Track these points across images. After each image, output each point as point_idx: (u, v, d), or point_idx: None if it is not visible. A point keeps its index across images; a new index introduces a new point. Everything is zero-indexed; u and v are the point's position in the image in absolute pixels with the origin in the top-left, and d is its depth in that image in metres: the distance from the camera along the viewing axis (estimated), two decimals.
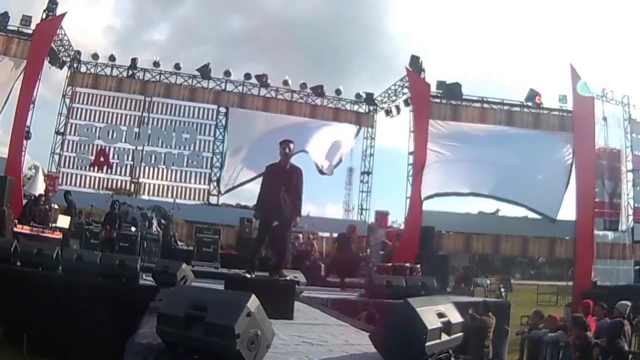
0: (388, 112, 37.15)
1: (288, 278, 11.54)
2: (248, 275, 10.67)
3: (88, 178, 33.98)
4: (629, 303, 16.82)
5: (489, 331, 15.38)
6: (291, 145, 11.44)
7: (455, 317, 6.60)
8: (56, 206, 24.98)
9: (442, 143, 31.82)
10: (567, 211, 31.95)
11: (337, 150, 36.52)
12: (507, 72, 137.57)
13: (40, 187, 27.90)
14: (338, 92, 37.06)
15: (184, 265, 14.70)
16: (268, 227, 11.78)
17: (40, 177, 30.46)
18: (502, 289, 40.54)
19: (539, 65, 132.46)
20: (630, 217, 32.85)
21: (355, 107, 37.97)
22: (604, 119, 33.04)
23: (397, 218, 39.67)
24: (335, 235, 26.13)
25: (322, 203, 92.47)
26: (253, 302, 5.60)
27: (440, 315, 6.24)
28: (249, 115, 36.02)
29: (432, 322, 5.94)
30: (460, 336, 6.72)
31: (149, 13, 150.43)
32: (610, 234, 32.99)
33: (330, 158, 36.19)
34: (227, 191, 35.52)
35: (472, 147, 32.08)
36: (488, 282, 42.81)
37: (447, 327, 6.26)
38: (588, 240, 29.82)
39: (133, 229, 23.55)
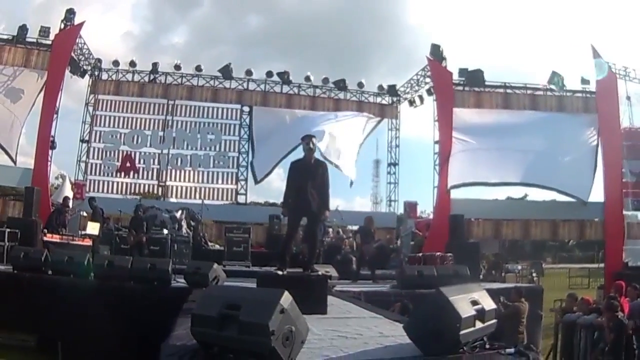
0: (412, 103, 37.12)
1: (320, 273, 11.55)
2: (280, 273, 10.68)
3: (115, 184, 34.20)
4: None
5: (523, 317, 15.27)
6: (314, 140, 11.42)
7: (489, 303, 6.57)
8: (84, 213, 25.06)
9: (467, 132, 31.68)
10: (596, 193, 31.82)
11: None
12: (528, 56, 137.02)
13: (67, 195, 28.07)
14: (360, 85, 37.08)
15: (215, 266, 14.75)
16: (297, 223, 11.79)
17: (68, 186, 30.64)
18: (534, 274, 40.34)
19: (561, 47, 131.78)
20: None
21: (379, 99, 37.99)
22: (628, 98, 32.90)
23: (426, 208, 39.75)
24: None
25: (350, 196, 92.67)
26: (286, 299, 5.60)
27: (474, 302, 6.22)
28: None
29: (465, 310, 5.92)
30: (494, 323, 6.69)
31: (167, 17, 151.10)
32: (638, 214, 32.82)
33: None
34: (262, 178, 35.46)
35: (497, 135, 31.93)
36: (519, 267, 42.57)
37: (481, 315, 6.23)
38: (617, 221, 29.68)
39: (165, 231, 23.65)
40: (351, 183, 34.93)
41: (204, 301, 6.47)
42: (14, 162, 28.94)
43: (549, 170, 31.53)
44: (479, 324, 6.19)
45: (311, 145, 11.28)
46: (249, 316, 5.51)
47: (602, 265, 33.86)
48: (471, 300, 6.22)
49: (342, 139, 34.04)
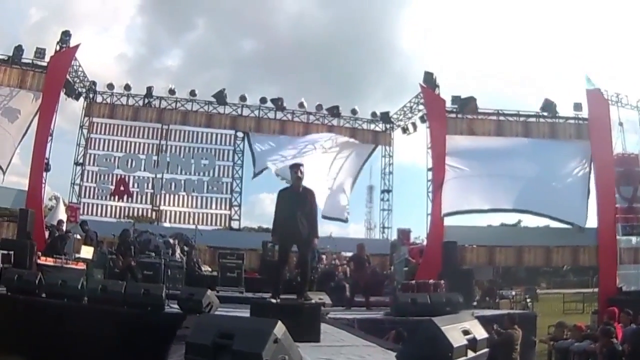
0: (405, 130, 37.20)
1: (313, 301, 11.60)
2: (273, 301, 10.74)
3: (109, 207, 34.17)
4: None
5: (516, 344, 15.33)
6: (302, 169, 11.55)
7: (481, 333, 6.62)
8: (78, 236, 25.15)
9: (459, 158, 31.70)
10: (589, 219, 31.89)
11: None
12: (521, 83, 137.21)
13: (61, 218, 28.07)
14: (354, 111, 37.25)
15: (209, 292, 14.79)
16: (287, 251, 11.93)
17: (62, 208, 30.76)
18: (528, 300, 40.36)
19: (553, 74, 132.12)
20: None
21: (372, 126, 38.07)
22: (620, 124, 33.02)
23: (420, 234, 39.71)
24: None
25: (344, 223, 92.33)
26: (279, 328, 5.64)
27: (466, 332, 6.27)
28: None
29: (457, 339, 5.96)
30: (486, 352, 6.74)
31: (161, 40, 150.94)
32: (633, 239, 32.89)
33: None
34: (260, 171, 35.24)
35: (490, 162, 31.94)
36: (513, 293, 42.62)
37: (473, 344, 6.28)
38: (611, 246, 29.72)
39: (153, 254, 23.74)
40: (346, 219, 35.24)
41: (197, 329, 6.52)
42: (3, 175, 28.92)
43: (542, 197, 31.52)
44: (470, 354, 6.23)
45: (299, 174, 11.41)
46: (243, 345, 5.55)
47: (596, 290, 33.85)
48: (463, 330, 6.26)
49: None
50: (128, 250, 22.66)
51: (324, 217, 33.43)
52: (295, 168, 11.52)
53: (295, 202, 11.30)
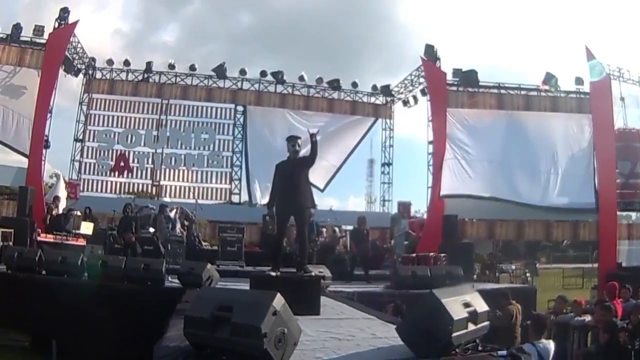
0: (405, 103, 37.08)
1: (313, 274, 11.59)
2: (273, 274, 10.73)
3: (109, 183, 34.08)
4: None
5: (516, 320, 15.33)
6: (299, 142, 11.59)
7: (481, 305, 6.60)
8: (78, 213, 25.13)
9: (460, 138, 31.63)
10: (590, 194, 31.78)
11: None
12: (522, 56, 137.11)
13: (61, 195, 28.04)
14: (354, 84, 36.98)
15: (209, 266, 14.76)
16: (285, 223, 11.93)
17: (62, 185, 30.64)
18: (528, 274, 40.34)
19: (555, 47, 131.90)
20: None
21: (372, 99, 37.90)
22: (622, 99, 32.92)
23: (420, 207, 39.67)
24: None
25: (344, 196, 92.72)
26: (278, 301, 5.62)
27: (466, 304, 6.25)
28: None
29: (457, 312, 5.95)
30: (487, 325, 6.73)
31: (157, 15, 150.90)
32: (633, 215, 32.88)
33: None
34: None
35: (490, 145, 31.92)
36: (513, 267, 42.58)
37: (474, 317, 6.26)
38: (611, 222, 29.65)
39: (151, 229, 23.70)
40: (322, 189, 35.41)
41: (196, 303, 6.50)
42: (27, 156, 28.81)
43: (546, 187, 31.81)
44: (471, 326, 6.22)
45: (297, 147, 11.43)
46: (241, 318, 5.53)
47: (595, 265, 33.83)
48: (463, 303, 6.24)
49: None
50: (129, 226, 22.67)
51: None
52: (293, 141, 11.52)
53: (292, 174, 11.33)
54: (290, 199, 11.26)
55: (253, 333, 5.34)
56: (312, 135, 11.35)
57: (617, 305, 14.60)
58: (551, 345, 10.00)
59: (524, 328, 13.73)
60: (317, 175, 33.83)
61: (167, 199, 33.05)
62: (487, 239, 33.81)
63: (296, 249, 14.16)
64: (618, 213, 30.78)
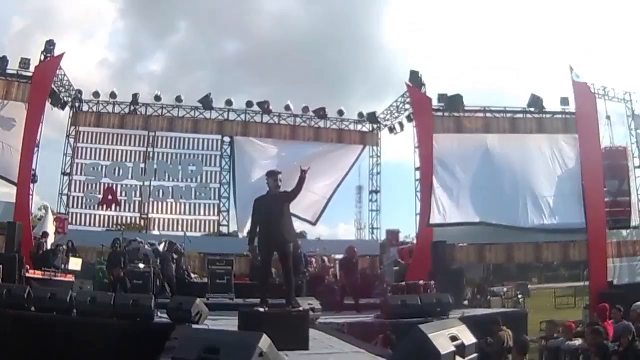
0: (392, 130, 37.14)
1: (301, 308, 11.58)
2: (261, 309, 10.71)
3: (97, 217, 33.95)
4: None
5: (507, 345, 15.33)
6: (279, 176, 11.59)
7: (469, 338, 6.59)
8: (65, 247, 25.15)
9: (447, 166, 31.71)
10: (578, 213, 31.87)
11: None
12: (507, 79, 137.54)
13: (49, 230, 27.97)
14: (340, 112, 37.02)
15: (197, 301, 14.73)
16: (269, 258, 11.87)
17: (50, 219, 30.56)
18: (520, 296, 40.41)
19: (539, 69, 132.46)
20: None
21: (359, 127, 37.91)
22: (607, 117, 33.10)
23: (410, 232, 39.71)
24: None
25: (334, 223, 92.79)
26: (264, 342, 5.62)
27: (453, 338, 6.24)
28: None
29: (444, 346, 5.93)
30: (474, 357, 6.72)
31: (143, 44, 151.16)
32: (624, 231, 32.97)
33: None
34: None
35: (477, 169, 32.14)
36: (505, 289, 42.68)
37: (461, 350, 6.25)
38: (601, 240, 29.64)
39: (141, 265, 23.61)
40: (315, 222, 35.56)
41: (184, 344, 6.50)
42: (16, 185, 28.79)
43: (535, 210, 32.05)
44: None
45: (279, 182, 11.45)
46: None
47: (587, 283, 33.85)
48: (450, 336, 6.24)
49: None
50: (118, 261, 22.64)
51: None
52: (274, 175, 11.56)
53: (272, 208, 11.33)
54: (272, 234, 11.26)
55: None
56: (304, 172, 11.37)
57: (609, 326, 14.67)
58: None
59: (506, 350, 13.76)
60: (308, 209, 34.36)
61: (155, 232, 33.07)
62: (477, 263, 33.91)
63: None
64: (607, 231, 30.80)
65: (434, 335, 5.94)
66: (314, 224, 35.87)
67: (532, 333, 19.03)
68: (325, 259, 27.83)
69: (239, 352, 5.54)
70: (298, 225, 35.66)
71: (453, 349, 6.08)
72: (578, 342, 14.43)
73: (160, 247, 25.64)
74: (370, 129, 38.14)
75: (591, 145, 30.45)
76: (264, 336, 5.68)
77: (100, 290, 20.51)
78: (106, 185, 34.09)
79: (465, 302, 24.98)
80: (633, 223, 32.61)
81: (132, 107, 35.05)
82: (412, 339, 6.21)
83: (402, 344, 6.76)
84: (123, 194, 34.27)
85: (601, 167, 30.47)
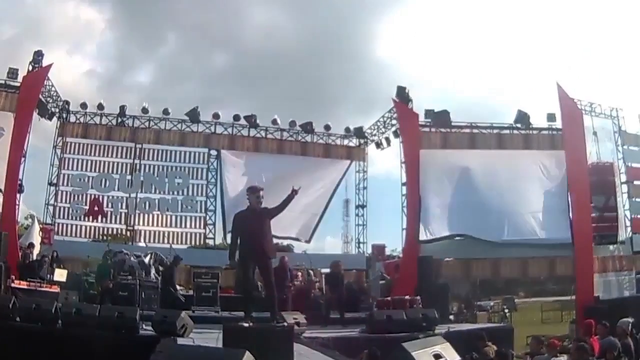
0: (378, 145, 37.25)
1: (286, 323, 11.58)
2: (245, 324, 10.70)
3: (83, 228, 33.90)
4: (630, 320, 16.75)
5: None
6: (261, 193, 11.68)
7: (452, 356, 6.62)
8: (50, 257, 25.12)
9: (433, 181, 31.83)
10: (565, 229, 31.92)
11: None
12: (494, 95, 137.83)
13: (35, 241, 27.89)
14: (327, 127, 37.12)
15: (183, 314, 14.64)
16: (250, 272, 11.87)
17: (36, 229, 30.47)
18: (506, 310, 40.44)
19: (526, 85, 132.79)
20: (629, 229, 33.06)
21: (346, 142, 38.01)
22: (594, 133, 33.24)
23: (396, 247, 39.69)
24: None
25: (321, 236, 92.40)
26: (247, 359, 5.60)
27: (437, 356, 6.27)
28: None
29: None
30: None
31: (131, 55, 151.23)
32: (610, 247, 33.06)
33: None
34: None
35: (464, 184, 32.35)
36: (491, 304, 42.71)
37: None
38: (587, 256, 29.55)
39: (129, 277, 23.56)
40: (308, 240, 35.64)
41: None
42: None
43: (523, 226, 32.25)
44: None
45: (261, 199, 11.47)
46: None
47: (574, 297, 33.93)
48: (434, 354, 6.26)
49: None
50: (107, 272, 22.61)
51: (286, 237, 33.92)
52: (257, 192, 11.64)
53: (253, 224, 11.35)
54: (253, 249, 11.31)
55: None
56: (294, 192, 11.39)
57: (594, 342, 14.68)
58: None
59: None
60: (302, 228, 34.92)
61: (141, 244, 32.93)
62: (463, 278, 33.93)
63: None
64: (594, 246, 30.84)
65: (418, 354, 5.97)
66: (308, 241, 35.86)
67: (519, 348, 19.00)
68: (312, 272, 27.81)
69: None
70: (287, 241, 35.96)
71: None
72: (563, 358, 14.38)
73: (146, 260, 25.59)
74: (357, 144, 38.25)
75: (578, 161, 30.43)
76: (247, 353, 5.67)
77: (85, 302, 20.49)
78: (92, 196, 34.06)
79: (452, 317, 24.95)
80: (620, 238, 32.78)
81: (119, 119, 34.99)
82: (396, 358, 6.22)
83: None
84: (109, 205, 34.26)
85: (588, 183, 30.45)
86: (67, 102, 34.63)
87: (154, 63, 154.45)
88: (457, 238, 33.12)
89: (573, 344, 14.73)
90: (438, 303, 20.57)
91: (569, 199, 31.20)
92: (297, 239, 35.53)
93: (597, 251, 31.23)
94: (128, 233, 34.71)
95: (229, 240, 33.98)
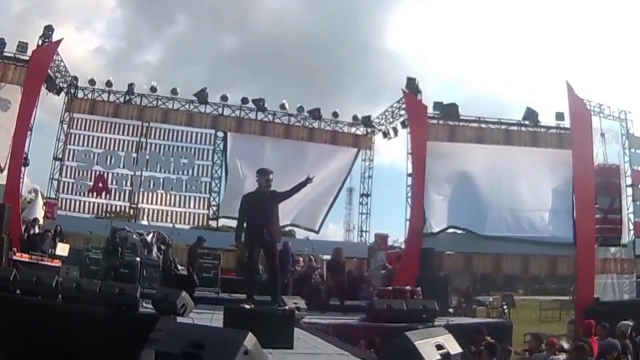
0: (386, 134, 37.04)
1: (287, 307, 11.54)
2: (246, 306, 10.67)
3: (87, 204, 33.85)
4: (630, 323, 16.70)
5: None
6: (271, 176, 11.54)
7: (454, 347, 6.58)
8: (53, 232, 25.11)
9: (439, 174, 31.80)
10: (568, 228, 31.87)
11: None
12: (504, 91, 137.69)
13: (39, 215, 27.88)
14: (335, 114, 36.97)
15: (183, 294, 14.68)
16: (256, 256, 11.80)
17: (40, 203, 30.47)
18: (505, 306, 40.42)
19: (536, 83, 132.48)
20: (632, 232, 32.89)
21: (353, 130, 37.83)
22: (602, 134, 33.11)
23: (398, 237, 39.66)
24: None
25: (323, 223, 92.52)
26: (250, 340, 5.58)
27: (439, 347, 6.23)
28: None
29: (430, 355, 5.92)
30: None
31: (141, 35, 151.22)
32: (612, 249, 32.97)
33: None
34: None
35: (469, 179, 32.38)
36: (491, 299, 42.68)
37: (446, 359, 6.24)
38: (589, 257, 29.55)
39: (131, 254, 23.55)
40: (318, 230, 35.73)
41: (168, 338, 6.44)
42: (1, 170, 28.71)
43: (527, 223, 32.26)
44: None
45: (270, 182, 11.37)
46: (213, 356, 5.49)
47: (573, 297, 33.85)
48: (436, 345, 6.22)
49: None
50: (115, 251, 22.56)
51: (294, 225, 33.84)
52: (266, 175, 11.47)
53: (261, 206, 11.26)
54: (260, 232, 11.21)
55: None
56: (309, 180, 11.34)
57: (593, 343, 14.61)
58: None
59: (479, 353, 13.71)
60: (312, 217, 35.04)
61: (144, 222, 32.97)
62: (464, 271, 33.87)
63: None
64: (596, 247, 30.78)
65: (420, 343, 5.92)
66: (317, 232, 35.91)
67: (516, 345, 18.94)
68: (313, 258, 27.81)
69: (224, 349, 5.50)
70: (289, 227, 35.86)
71: (439, 357, 6.08)
72: (562, 357, 14.33)
73: (149, 238, 25.56)
74: (365, 132, 38.09)
75: (584, 161, 30.34)
76: (250, 334, 5.64)
77: (86, 277, 20.48)
78: (97, 172, 34.03)
79: (451, 310, 24.96)
80: (623, 241, 32.67)
81: (127, 97, 34.94)
82: (398, 346, 6.18)
83: (388, 350, 6.73)
84: (114, 182, 34.18)
85: (593, 184, 30.39)
86: (76, 78, 34.54)
87: (162, 43, 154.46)
88: (459, 232, 33.11)
89: (572, 343, 14.70)
90: (438, 295, 20.60)
91: (574, 198, 31.11)
92: (307, 228, 35.52)
93: (598, 252, 31.15)
94: (131, 211, 34.61)
95: (229, 222, 34.59)
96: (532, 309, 41.45)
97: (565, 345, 14.38)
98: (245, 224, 11.57)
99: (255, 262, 12.12)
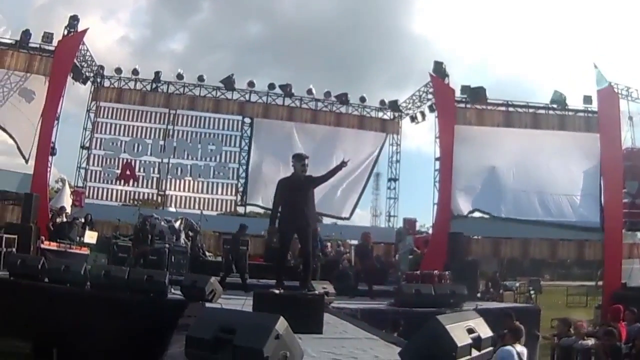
0: (413, 119, 36.92)
1: (316, 292, 11.52)
2: (276, 291, 10.65)
3: (114, 191, 34.16)
4: None
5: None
6: (307, 161, 11.47)
7: (485, 331, 6.53)
8: (82, 221, 25.16)
9: (467, 158, 31.53)
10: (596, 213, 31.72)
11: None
12: (531, 74, 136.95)
13: (66, 204, 27.97)
14: (362, 99, 36.87)
15: (212, 279, 14.68)
16: (289, 240, 11.76)
17: (67, 192, 30.63)
18: (532, 291, 40.23)
19: (564, 66, 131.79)
20: None
21: (380, 114, 37.74)
22: (630, 118, 32.85)
23: (426, 222, 39.56)
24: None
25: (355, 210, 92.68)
26: (281, 324, 5.56)
27: (470, 330, 6.18)
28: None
29: (461, 338, 5.87)
30: (490, 351, 6.66)
31: (166, 23, 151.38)
32: (639, 234, 32.77)
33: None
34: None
35: (497, 162, 32.18)
36: (517, 284, 42.50)
37: (477, 343, 6.19)
38: (617, 241, 29.37)
39: (159, 241, 23.62)
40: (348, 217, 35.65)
41: (199, 323, 6.43)
42: (26, 161, 28.91)
43: (555, 206, 31.99)
44: (475, 352, 6.15)
45: (306, 167, 11.31)
46: (244, 341, 5.48)
47: (600, 283, 33.62)
48: (467, 328, 6.18)
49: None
50: (146, 238, 22.60)
51: (323, 214, 33.75)
52: (302, 160, 11.38)
53: (297, 191, 11.20)
54: (295, 217, 11.12)
55: (255, 356, 5.29)
56: (344, 164, 11.29)
57: (622, 328, 14.54)
58: (525, 350, 10.14)
59: (502, 337, 13.70)
60: (342, 204, 34.95)
61: (172, 209, 33.14)
62: (492, 256, 33.79)
63: (299, 264, 14.15)
64: (624, 232, 30.59)
65: (451, 327, 5.88)
66: (348, 218, 35.88)
67: (543, 330, 18.91)
68: (341, 244, 27.84)
69: (255, 334, 5.49)
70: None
71: (470, 341, 6.03)
72: (591, 342, 14.26)
73: (177, 225, 25.65)
74: (392, 117, 38.02)
75: (612, 145, 30.12)
76: (281, 318, 5.62)
77: (114, 265, 20.54)
78: (125, 160, 34.25)
79: (479, 295, 24.88)
80: None
81: (153, 85, 35.15)
82: (428, 329, 6.15)
83: (419, 334, 6.69)
84: (141, 170, 34.46)
85: (622, 168, 30.16)
86: (102, 67, 34.81)
87: (187, 31, 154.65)
88: (486, 216, 33.00)
89: (601, 328, 14.63)
90: (466, 280, 20.53)
91: (601, 182, 30.94)
92: (338, 217, 35.38)
93: (626, 237, 30.99)
94: (159, 198, 34.86)
95: (256, 209, 34.66)
96: (558, 294, 41.24)
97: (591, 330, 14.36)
98: (280, 208, 11.55)
99: (287, 247, 12.07)
